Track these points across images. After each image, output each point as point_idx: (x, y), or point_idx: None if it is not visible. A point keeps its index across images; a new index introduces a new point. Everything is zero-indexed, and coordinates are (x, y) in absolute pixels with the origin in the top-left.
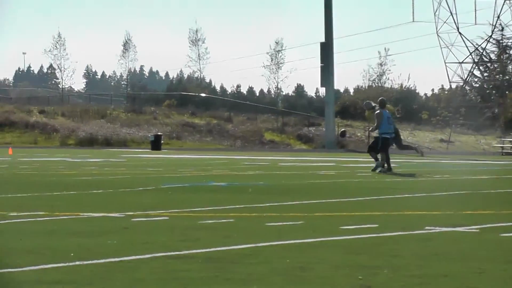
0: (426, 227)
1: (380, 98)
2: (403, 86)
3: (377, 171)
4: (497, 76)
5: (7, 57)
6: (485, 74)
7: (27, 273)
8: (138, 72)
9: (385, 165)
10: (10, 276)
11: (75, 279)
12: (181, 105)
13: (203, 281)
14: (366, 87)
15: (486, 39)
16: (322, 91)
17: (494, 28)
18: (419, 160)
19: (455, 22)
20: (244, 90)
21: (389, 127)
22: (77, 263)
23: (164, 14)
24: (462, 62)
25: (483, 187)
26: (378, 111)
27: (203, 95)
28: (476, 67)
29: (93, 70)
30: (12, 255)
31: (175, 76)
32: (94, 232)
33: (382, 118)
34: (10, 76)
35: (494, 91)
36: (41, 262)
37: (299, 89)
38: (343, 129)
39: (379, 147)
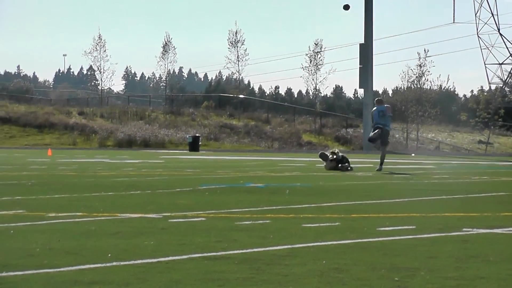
0: (464, 229)
1: (376, 99)
2: (442, 87)
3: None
4: None
5: (48, 59)
6: None
7: (64, 274)
8: (177, 73)
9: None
10: (48, 276)
11: (112, 280)
12: (219, 107)
13: (239, 282)
14: (405, 88)
15: None
16: (361, 92)
17: None
18: (457, 161)
19: (496, 23)
20: (282, 91)
21: (379, 120)
22: (114, 263)
23: (203, 16)
24: (502, 63)
25: None
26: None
27: (241, 96)
28: None
29: (133, 72)
30: (51, 255)
31: (213, 78)
32: (131, 233)
33: (373, 115)
34: (50, 78)
35: None
36: (79, 262)
37: (338, 90)
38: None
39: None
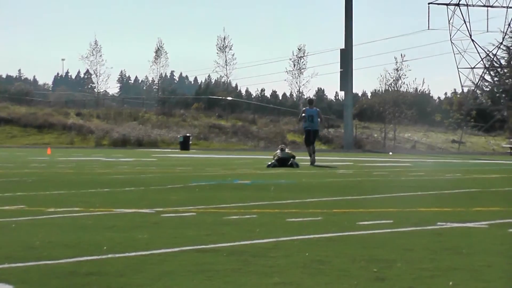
0: (438, 223)
1: (308, 98)
2: (418, 90)
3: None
4: (507, 81)
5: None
6: (496, 78)
7: (63, 265)
8: (168, 77)
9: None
10: (47, 267)
11: (107, 271)
12: (208, 108)
13: (227, 273)
14: (383, 91)
15: (497, 46)
16: (341, 94)
17: (505, 35)
18: (431, 159)
19: (468, 29)
20: (268, 94)
21: (310, 124)
22: (110, 256)
23: (194, 23)
24: (474, 68)
25: (492, 185)
26: (304, 108)
27: (229, 98)
28: (487, 72)
29: (127, 75)
30: (50, 248)
31: (203, 81)
32: (126, 227)
33: (304, 115)
34: (49, 81)
35: (504, 95)
36: (77, 254)
37: (320, 93)
38: None
39: (304, 139)
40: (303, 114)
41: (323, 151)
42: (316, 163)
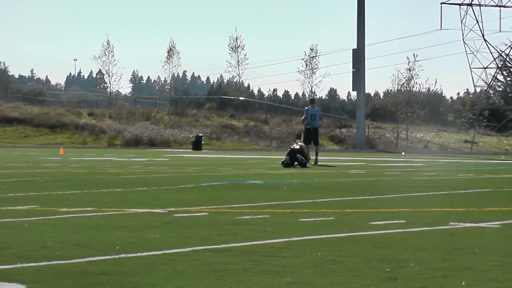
0: (450, 223)
1: (310, 97)
2: (430, 90)
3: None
4: None
5: (60, 63)
6: (508, 78)
7: (75, 265)
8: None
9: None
10: (59, 267)
11: (120, 271)
12: (221, 108)
13: (239, 272)
14: (395, 91)
15: (509, 46)
16: (354, 94)
17: None
18: (444, 159)
19: (480, 29)
20: (280, 93)
21: (310, 122)
22: (122, 255)
23: (206, 23)
24: (487, 68)
25: (505, 185)
26: (306, 108)
27: (241, 98)
28: (500, 72)
29: (139, 75)
30: (62, 248)
31: (215, 81)
32: (138, 227)
33: (307, 114)
34: (62, 81)
35: None
36: (89, 254)
37: (332, 92)
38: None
39: (304, 137)
40: (305, 114)
41: (336, 151)
42: (318, 163)
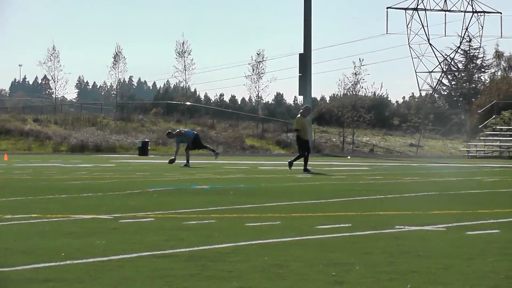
0: (396, 226)
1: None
2: (376, 94)
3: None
4: (464, 85)
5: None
6: (453, 82)
7: (20, 272)
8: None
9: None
10: (4, 275)
11: (66, 277)
12: (167, 113)
13: (186, 278)
14: (341, 95)
15: (454, 50)
16: (300, 99)
17: (462, 40)
18: (390, 163)
19: (426, 34)
20: (226, 98)
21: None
22: (68, 262)
23: (152, 28)
24: (432, 72)
25: (450, 188)
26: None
27: (188, 103)
28: (445, 76)
29: (85, 81)
30: (7, 255)
31: (162, 86)
32: (84, 233)
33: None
34: (6, 87)
35: (461, 99)
36: (34, 261)
37: (279, 97)
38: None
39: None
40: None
41: (283, 156)
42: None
